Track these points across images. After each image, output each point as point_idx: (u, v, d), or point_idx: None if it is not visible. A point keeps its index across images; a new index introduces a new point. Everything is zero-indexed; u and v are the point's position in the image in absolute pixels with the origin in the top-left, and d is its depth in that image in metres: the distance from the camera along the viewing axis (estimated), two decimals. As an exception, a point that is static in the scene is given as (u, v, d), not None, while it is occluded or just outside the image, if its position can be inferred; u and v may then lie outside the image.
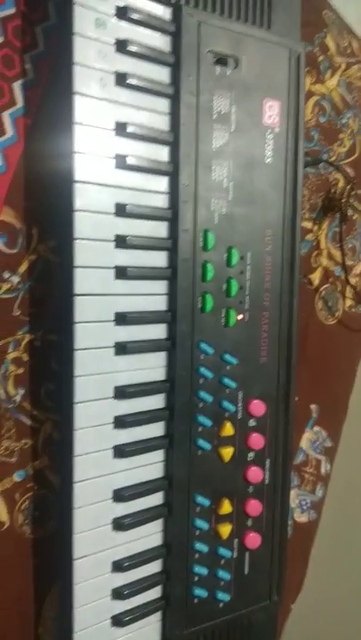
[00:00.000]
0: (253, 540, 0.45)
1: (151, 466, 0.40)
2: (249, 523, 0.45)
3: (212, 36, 0.40)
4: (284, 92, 0.43)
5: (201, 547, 0.43)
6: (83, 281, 0.36)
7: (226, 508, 0.43)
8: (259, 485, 0.45)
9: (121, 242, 0.37)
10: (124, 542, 0.39)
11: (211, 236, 0.41)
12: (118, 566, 0.39)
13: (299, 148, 0.44)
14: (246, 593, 0.46)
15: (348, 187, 0.53)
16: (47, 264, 0.39)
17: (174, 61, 0.38)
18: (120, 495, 0.38)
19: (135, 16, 0.36)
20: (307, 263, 0.55)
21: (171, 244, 0.40)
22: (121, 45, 0.36)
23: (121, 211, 0.37)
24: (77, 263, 0.36)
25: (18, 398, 0.38)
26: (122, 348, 0.38)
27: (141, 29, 0.37)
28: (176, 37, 0.38)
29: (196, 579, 0.43)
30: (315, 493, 0.57)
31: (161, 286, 0.40)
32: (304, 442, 0.56)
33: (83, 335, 0.36)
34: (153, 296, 0.40)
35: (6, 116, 0.37)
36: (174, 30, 0.38)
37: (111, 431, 0.38)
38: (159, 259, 0.40)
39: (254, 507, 0.45)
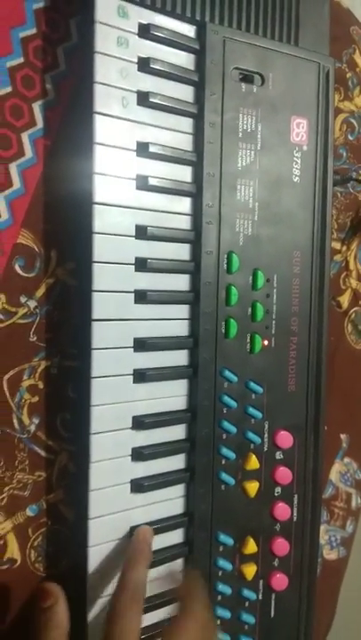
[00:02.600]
0: (280, 581, 0.42)
1: (171, 501, 0.38)
2: (275, 563, 0.42)
3: (238, 52, 0.38)
4: (312, 109, 0.42)
5: (224, 588, 0.40)
6: (101, 306, 0.34)
7: (251, 547, 0.41)
8: (286, 523, 0.42)
9: (141, 265, 0.36)
10: (142, 582, 0.37)
11: (235, 258, 0.39)
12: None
13: (328, 166, 0.42)
14: (272, 638, 0.43)
15: (379, 206, 0.51)
16: (65, 288, 0.37)
17: (198, 79, 0.37)
18: (138, 533, 0.36)
19: (158, 34, 0.35)
20: (335, 285, 0.52)
21: (193, 267, 0.38)
22: (143, 64, 0.35)
23: (142, 233, 0.36)
24: (96, 287, 0.34)
25: (32, 428, 0.36)
26: (141, 376, 0.36)
27: (164, 47, 0.36)
28: (200, 55, 0.37)
29: (219, 622, 0.40)
30: (345, 529, 0.54)
31: (183, 311, 0.38)
32: (334, 474, 0.53)
33: (100, 362, 0.35)
34: (174, 321, 0.38)
35: (25, 136, 0.36)
36: (198, 48, 0.37)
37: (129, 464, 0.36)
38: (181, 282, 0.38)
39: (281, 546, 0.42)
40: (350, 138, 0.52)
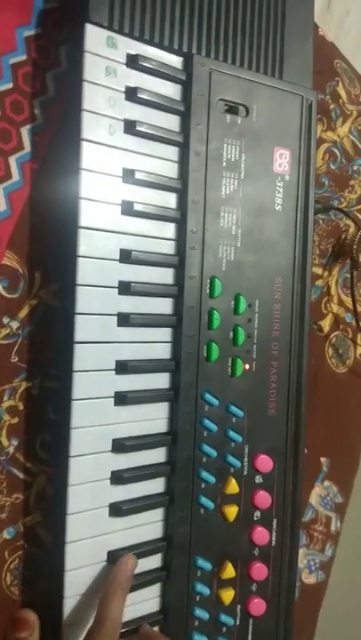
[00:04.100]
0: (258, 606, 0.42)
1: (149, 525, 0.38)
2: (253, 587, 0.42)
3: (223, 84, 0.39)
4: (295, 141, 0.43)
5: (201, 613, 0.40)
6: (84, 328, 0.35)
7: (229, 571, 0.41)
8: (265, 547, 0.42)
9: (125, 288, 0.36)
10: (119, 608, 0.37)
11: (218, 282, 0.40)
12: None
13: (310, 195, 0.43)
14: (249, 664, 0.42)
15: (360, 233, 0.52)
16: (48, 309, 0.37)
17: (184, 109, 0.38)
18: (116, 558, 0.36)
19: (146, 64, 0.36)
20: (317, 309, 0.53)
21: (176, 291, 0.39)
22: (131, 93, 0.36)
23: (126, 257, 0.36)
24: (79, 310, 0.34)
25: (11, 450, 0.36)
26: (122, 399, 0.36)
27: (152, 78, 0.37)
28: (187, 86, 0.38)
29: (195, 648, 0.40)
30: (324, 553, 0.54)
31: (165, 334, 0.39)
32: (313, 497, 0.53)
33: (81, 384, 0.35)
34: (156, 344, 0.38)
35: (13, 160, 0.36)
36: (185, 79, 0.38)
37: (108, 487, 0.36)
38: (164, 306, 0.38)
39: (260, 570, 0.42)
40: (332, 167, 0.53)
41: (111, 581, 0.34)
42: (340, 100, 0.54)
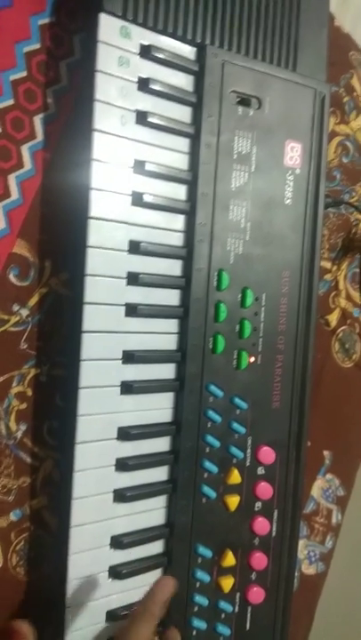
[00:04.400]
0: (257, 594, 0.43)
1: (152, 512, 0.39)
2: (253, 576, 0.43)
3: (236, 76, 0.39)
4: (307, 134, 0.43)
5: (201, 599, 0.41)
6: (92, 318, 0.35)
7: (229, 560, 0.41)
8: (265, 537, 0.43)
9: (133, 279, 0.37)
10: (121, 591, 0.38)
11: (225, 275, 0.40)
12: (113, 616, 0.37)
13: (320, 190, 0.43)
14: (247, 650, 0.43)
15: (370, 228, 0.52)
16: (58, 298, 0.38)
17: (196, 101, 0.38)
18: (118, 542, 0.37)
19: (159, 55, 0.36)
20: (324, 304, 0.53)
21: (184, 283, 0.39)
22: (143, 84, 0.36)
23: (135, 248, 0.36)
24: (87, 299, 0.35)
25: (19, 434, 0.37)
26: (128, 388, 0.37)
27: (164, 68, 0.37)
28: (199, 77, 0.38)
29: (195, 633, 0.41)
30: (324, 544, 0.54)
31: (172, 325, 0.39)
32: (315, 490, 0.53)
33: (89, 373, 0.35)
34: (163, 335, 0.39)
35: (25, 149, 0.37)
36: (198, 70, 0.38)
37: (112, 474, 0.37)
38: (171, 297, 0.39)
39: (259, 560, 0.43)
40: (345, 160, 0.53)
41: (145, 604, 0.34)
42: (355, 93, 0.53)
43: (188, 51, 0.38)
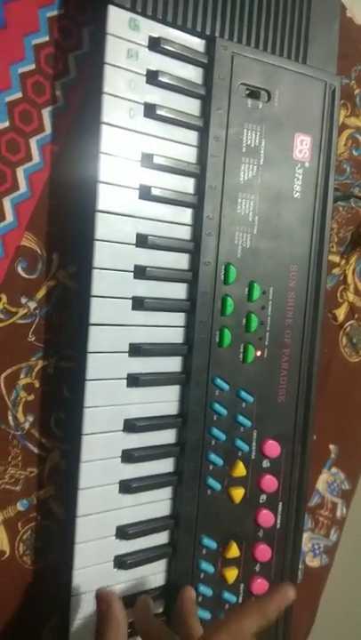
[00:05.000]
0: (260, 586, 0.43)
1: (158, 503, 0.39)
2: (257, 568, 0.43)
3: (246, 68, 0.39)
4: (316, 127, 0.42)
5: (205, 590, 0.41)
6: (99, 311, 0.35)
7: (233, 551, 0.42)
8: (269, 529, 0.43)
9: (140, 273, 0.37)
10: (126, 581, 0.38)
11: (232, 269, 0.40)
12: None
13: (329, 183, 0.43)
14: (250, 641, 0.44)
15: (380, 222, 0.51)
16: (65, 291, 0.38)
17: (205, 93, 0.38)
18: (124, 532, 0.37)
19: (168, 47, 0.36)
20: (332, 298, 0.53)
21: (191, 277, 0.39)
22: (152, 76, 0.36)
23: (142, 241, 0.36)
24: (95, 293, 0.35)
25: (27, 425, 0.37)
26: (134, 380, 0.37)
27: (173, 61, 0.37)
28: (208, 69, 0.38)
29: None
30: (329, 537, 0.55)
31: (178, 319, 0.39)
32: (321, 483, 0.53)
33: (95, 365, 0.35)
34: (170, 328, 0.39)
35: (34, 142, 0.37)
36: (207, 62, 0.38)
37: (119, 465, 0.37)
38: (178, 291, 0.39)
39: (263, 552, 0.43)
40: (355, 153, 0.52)
41: (267, 600, 0.35)
42: (366, 85, 0.52)
43: (197, 43, 0.38)
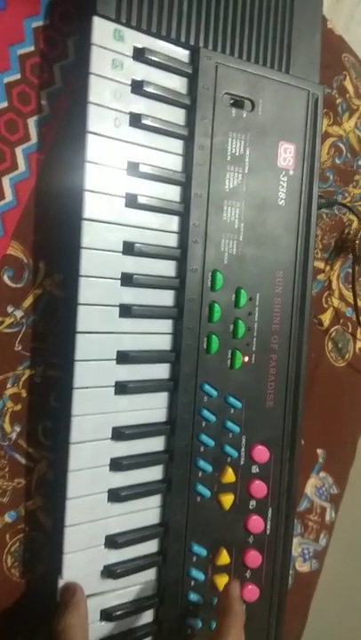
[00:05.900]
0: (251, 592, 0.43)
1: (147, 511, 0.39)
2: (247, 574, 0.43)
3: (230, 78, 0.40)
4: (300, 135, 0.43)
5: (195, 598, 0.41)
6: (86, 319, 0.35)
7: (224, 558, 0.42)
8: (259, 536, 0.43)
9: (127, 280, 0.37)
10: (115, 589, 0.38)
11: (219, 276, 0.40)
12: (109, 615, 0.37)
13: (313, 191, 0.43)
14: (241, 648, 0.43)
15: (363, 229, 0.52)
16: (52, 299, 0.38)
17: (190, 103, 0.38)
18: (113, 542, 0.37)
19: (152, 57, 0.37)
20: (318, 303, 0.54)
21: (178, 284, 0.39)
22: (137, 86, 0.36)
23: (129, 249, 0.37)
24: (81, 301, 0.35)
25: (14, 436, 0.37)
26: (122, 388, 0.37)
27: (158, 71, 0.37)
28: (193, 79, 0.38)
29: (189, 631, 0.41)
30: (318, 542, 0.55)
31: (166, 325, 0.39)
32: (309, 488, 0.54)
33: (83, 373, 0.35)
34: (157, 335, 0.39)
35: (19, 151, 0.37)
36: (191, 72, 0.38)
37: (107, 474, 0.37)
38: (165, 298, 0.39)
39: (254, 558, 0.43)
40: (338, 161, 0.53)
41: (225, 600, 0.37)
42: (347, 95, 0.53)
43: (181, 53, 0.38)
